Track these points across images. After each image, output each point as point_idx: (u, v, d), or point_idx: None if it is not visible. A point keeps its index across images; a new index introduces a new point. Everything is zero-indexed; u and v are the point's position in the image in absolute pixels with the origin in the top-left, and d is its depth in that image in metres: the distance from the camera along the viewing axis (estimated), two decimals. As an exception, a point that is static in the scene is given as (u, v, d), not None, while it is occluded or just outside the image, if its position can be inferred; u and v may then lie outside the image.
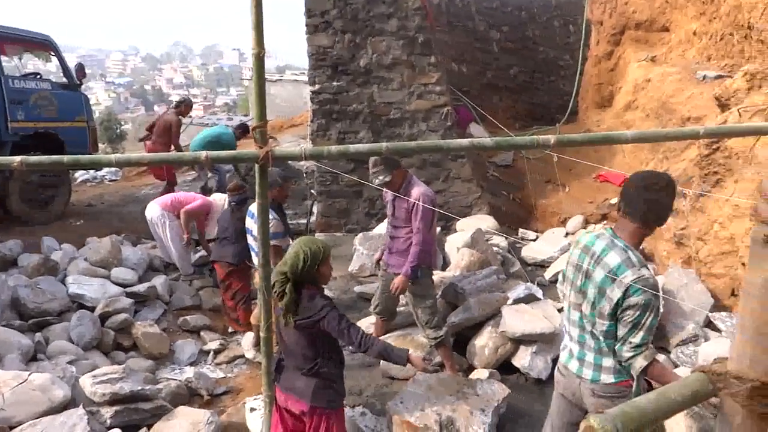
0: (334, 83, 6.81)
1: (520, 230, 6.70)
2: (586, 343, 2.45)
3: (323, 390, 2.94)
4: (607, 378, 2.39)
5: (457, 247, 5.49)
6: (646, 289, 2.20)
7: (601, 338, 2.37)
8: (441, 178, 6.93)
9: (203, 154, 3.36)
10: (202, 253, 6.76)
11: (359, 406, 3.77)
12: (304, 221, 7.59)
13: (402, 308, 4.48)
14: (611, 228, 2.43)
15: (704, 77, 6.41)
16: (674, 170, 5.57)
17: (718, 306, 4.59)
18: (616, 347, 2.32)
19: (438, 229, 6.14)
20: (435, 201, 3.82)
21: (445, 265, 5.53)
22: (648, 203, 2.28)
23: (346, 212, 7.10)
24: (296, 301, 2.83)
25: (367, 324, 4.64)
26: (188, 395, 4.55)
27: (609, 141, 3.88)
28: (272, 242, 4.52)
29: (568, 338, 2.56)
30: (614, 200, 6.67)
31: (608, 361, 2.39)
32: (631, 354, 2.26)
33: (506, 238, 5.93)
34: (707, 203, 5.11)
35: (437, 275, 4.76)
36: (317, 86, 6.86)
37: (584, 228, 6.25)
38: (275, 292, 2.85)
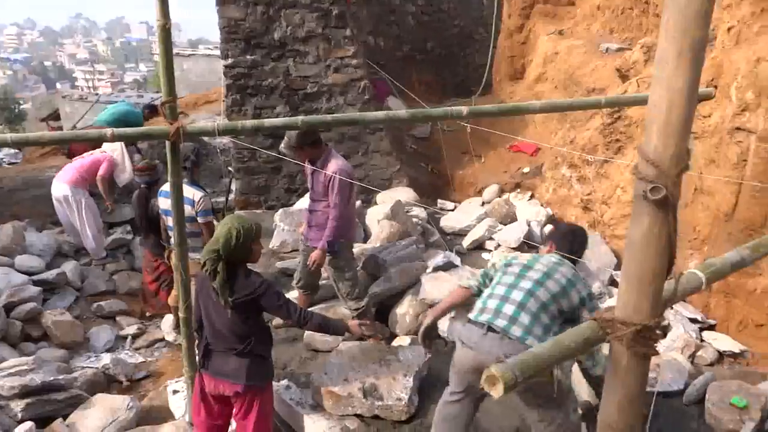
0: (248, 57, 6.64)
1: (439, 201, 6.85)
2: (527, 307, 2.60)
3: (257, 368, 2.93)
4: (532, 342, 2.50)
5: (377, 219, 5.55)
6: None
7: (549, 309, 2.65)
8: (360, 151, 6.95)
9: (109, 131, 3.23)
10: (116, 235, 6.50)
11: (284, 379, 3.78)
12: (222, 199, 7.42)
13: (324, 281, 4.51)
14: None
15: (607, 50, 6.73)
16: (580, 138, 5.85)
17: (620, 265, 4.90)
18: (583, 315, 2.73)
19: (358, 202, 6.18)
20: (352, 175, 3.84)
21: (366, 238, 5.58)
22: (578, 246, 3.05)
23: (266, 188, 6.99)
24: (229, 279, 2.79)
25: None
26: (106, 382, 4.41)
27: (519, 111, 4.03)
28: (206, 219, 4.40)
29: (502, 300, 2.67)
30: (527, 169, 6.95)
31: (539, 329, 2.57)
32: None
33: (425, 208, 6.06)
34: (610, 169, 5.42)
35: (358, 248, 4.82)
36: (230, 60, 6.66)
37: (499, 197, 6.47)
38: (207, 270, 2.78)
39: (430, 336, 3.11)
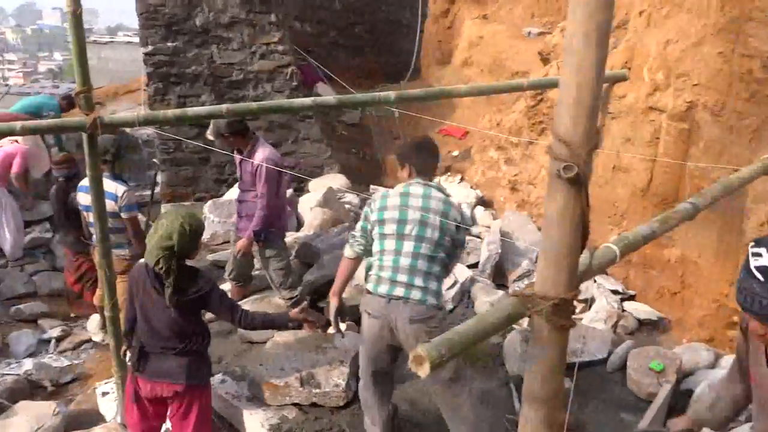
0: (169, 44, 6.41)
1: (371, 186, 6.87)
2: (417, 268, 2.74)
3: (197, 367, 2.87)
4: (431, 299, 2.75)
5: (309, 207, 5.52)
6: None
7: (436, 259, 2.77)
8: (290, 139, 6.87)
9: (18, 124, 3.05)
10: (34, 234, 6.17)
11: (219, 373, 3.72)
12: (148, 193, 7.17)
13: (257, 272, 4.45)
14: (415, 179, 2.88)
15: (529, 33, 6.91)
16: (507, 121, 6.00)
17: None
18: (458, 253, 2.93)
19: (290, 191, 6.13)
20: (280, 163, 3.79)
21: (299, 226, 5.54)
22: (425, 156, 2.94)
23: (194, 180, 6.81)
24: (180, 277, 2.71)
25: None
26: (29, 389, 4.21)
27: (445, 95, 4.09)
28: (130, 215, 4.21)
29: (394, 271, 2.78)
30: (456, 153, 7.07)
31: (434, 284, 2.78)
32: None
33: (358, 195, 6.06)
34: (535, 150, 5.59)
35: (291, 236, 4.78)
36: (150, 47, 6.41)
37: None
38: (161, 268, 2.67)
39: (342, 317, 3.20)
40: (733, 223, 3.78)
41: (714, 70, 3.77)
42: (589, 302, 4.44)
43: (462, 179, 6.68)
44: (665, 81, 4.15)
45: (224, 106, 3.34)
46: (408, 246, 2.75)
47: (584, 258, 1.56)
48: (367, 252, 2.94)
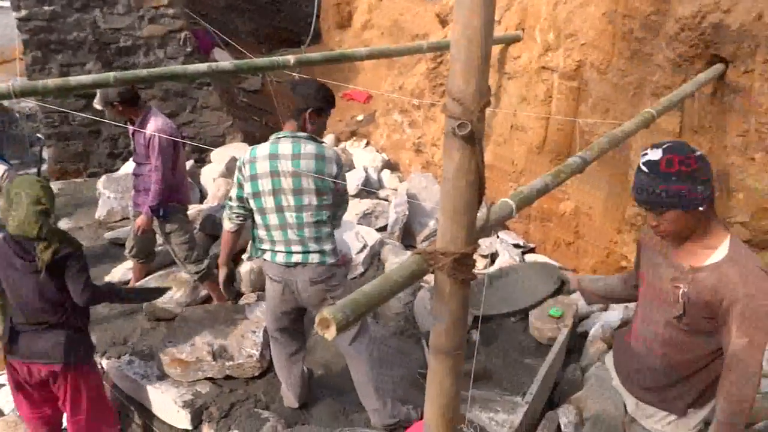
0: (45, 8, 5.89)
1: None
2: (306, 237, 2.74)
3: (75, 344, 2.72)
4: (330, 259, 2.79)
5: (212, 178, 5.34)
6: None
7: (322, 223, 2.75)
8: (188, 108, 6.57)
9: None
10: None
11: (125, 354, 3.59)
12: (34, 171, 6.66)
13: (161, 248, 4.28)
14: (284, 131, 2.74)
15: (427, -5, 6.92)
16: (408, 84, 6.04)
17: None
18: (336, 213, 2.87)
19: (191, 162, 5.90)
20: (175, 134, 3.62)
21: (202, 198, 5.37)
22: (297, 100, 2.70)
23: (85, 154, 6.39)
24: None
25: (124, 270, 4.36)
26: None
27: (345, 59, 4.04)
28: None
29: (284, 244, 2.78)
30: (361, 117, 7.05)
31: (328, 245, 2.79)
32: (343, 212, 2.95)
33: (263, 163, 5.92)
34: (437, 112, 5.67)
35: (194, 208, 4.62)
36: (24, 12, 5.86)
37: (336, 145, 6.52)
38: (42, 234, 2.60)
39: (232, 284, 3.23)
40: (619, 176, 4.05)
41: (599, 30, 3.96)
42: (492, 257, 4.63)
43: (368, 143, 6.70)
44: (556, 41, 4.31)
45: (111, 74, 3.13)
46: (291, 218, 2.72)
47: (482, 213, 1.62)
48: (249, 218, 2.88)
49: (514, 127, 4.80)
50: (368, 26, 7.86)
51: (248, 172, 2.73)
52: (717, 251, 1.86)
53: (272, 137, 2.75)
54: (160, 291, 3.53)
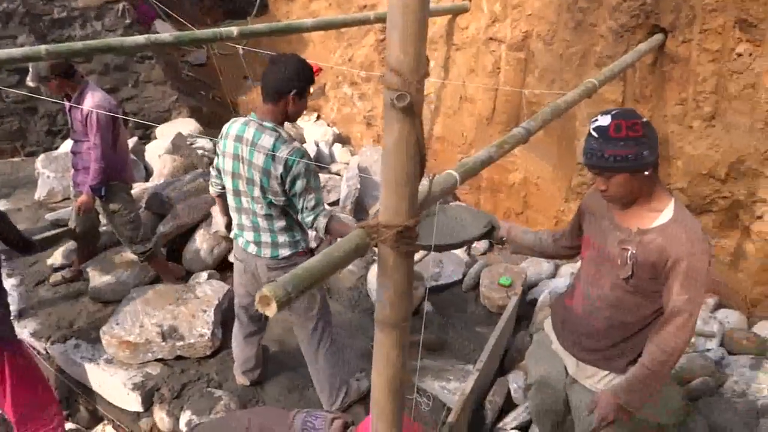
0: (-31, -24, 5.54)
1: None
2: (260, 226, 2.66)
3: None
4: (285, 252, 2.69)
5: (158, 154, 5.19)
6: (300, 158, 2.48)
7: (274, 216, 2.61)
8: (130, 83, 6.33)
9: None
10: None
11: (71, 338, 3.49)
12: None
13: (105, 228, 4.15)
14: (255, 114, 2.57)
15: (375, -35, 6.80)
16: (358, 56, 5.96)
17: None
18: (300, 217, 2.58)
19: (134, 138, 5.72)
20: (114, 109, 3.47)
21: (148, 176, 5.21)
22: (273, 82, 2.47)
23: (20, 132, 6.09)
24: None
25: (68, 252, 4.21)
26: None
27: (290, 31, 3.95)
28: None
29: (240, 227, 2.75)
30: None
31: (283, 237, 2.68)
32: (312, 216, 2.54)
33: (210, 139, 5.79)
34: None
35: (138, 187, 4.48)
36: (-55, -20, 5.50)
37: (286, 120, 6.42)
38: None
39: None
40: (566, 146, 4.12)
41: (545, 1, 3.98)
42: (444, 229, 4.67)
43: (318, 117, 6.61)
44: (503, 12, 4.31)
45: (43, 47, 2.97)
46: (245, 203, 2.66)
47: (425, 186, 1.62)
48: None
49: (463, 98, 4.81)
50: (316, -4, 7.68)
51: (221, 148, 2.67)
52: (662, 214, 1.95)
53: (248, 116, 2.61)
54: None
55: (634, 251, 1.95)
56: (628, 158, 1.84)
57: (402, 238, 1.32)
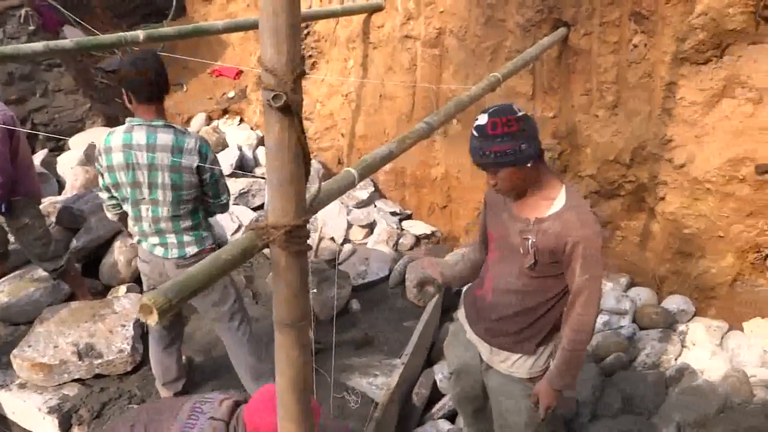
0: None
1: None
2: (165, 230, 2.63)
3: None
4: (192, 250, 2.68)
5: (70, 166, 4.98)
6: (207, 144, 2.59)
7: (181, 216, 2.60)
8: (38, 93, 6.02)
9: None
10: None
11: (-21, 365, 3.30)
12: None
13: (14, 246, 3.93)
14: (136, 118, 2.54)
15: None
16: (277, 58, 5.89)
17: (328, 174, 5.22)
18: (216, 201, 2.68)
19: (46, 150, 5.48)
20: (11, 121, 3.29)
21: (60, 189, 4.99)
22: (152, 81, 2.47)
23: None
24: None
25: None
26: None
27: (200, 33, 3.87)
28: None
29: (142, 234, 2.70)
30: (232, 93, 6.82)
31: (189, 236, 2.67)
32: (225, 201, 2.71)
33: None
34: (308, 85, 5.60)
35: (47, 201, 4.28)
36: None
37: (207, 125, 6.29)
38: None
39: None
40: (482, 138, 4.21)
41: (455, -3, 4.06)
42: (371, 227, 4.69)
43: (241, 121, 6.51)
44: (416, 9, 4.37)
45: (-74, 58, 2.80)
46: (145, 211, 2.60)
47: (325, 183, 1.63)
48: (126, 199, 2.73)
49: (383, 96, 4.84)
50: (233, -2, 7.56)
51: (105, 163, 2.58)
52: (556, 201, 2.06)
53: (126, 124, 2.57)
54: None
55: (534, 240, 2.03)
56: (507, 153, 1.93)
57: (292, 238, 1.32)
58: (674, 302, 3.49)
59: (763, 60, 3.12)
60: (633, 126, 3.53)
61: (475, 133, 2.00)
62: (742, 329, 3.36)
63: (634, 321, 3.45)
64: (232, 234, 4.32)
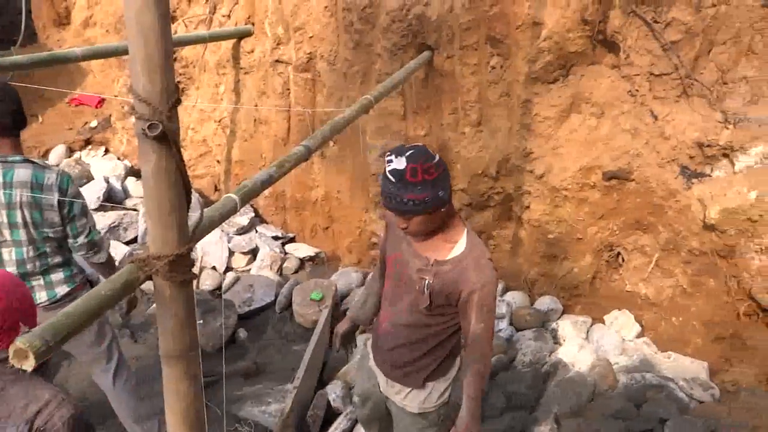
0: None
1: None
2: (30, 272, 2.47)
3: None
4: (62, 290, 2.54)
5: None
6: (69, 179, 2.44)
7: (48, 254, 2.47)
8: None
9: None
10: None
11: None
12: None
13: None
14: None
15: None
16: (143, 84, 5.67)
17: (206, 202, 5.08)
18: (78, 240, 2.49)
19: None
20: None
21: None
22: (7, 114, 2.36)
23: None
24: None
25: None
26: None
27: (57, 61, 3.63)
28: None
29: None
30: (95, 123, 6.45)
31: (57, 275, 2.53)
32: (96, 235, 2.54)
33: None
34: (179, 112, 5.45)
35: None
36: None
37: (68, 157, 5.89)
38: None
39: None
40: (359, 159, 4.33)
41: (323, 23, 4.16)
42: (254, 252, 4.63)
43: (107, 151, 6.16)
44: (286, 34, 4.42)
45: None
46: (8, 254, 2.42)
47: (207, 211, 1.61)
48: None
49: (257, 120, 4.82)
50: (90, 23, 7.17)
51: None
52: (457, 245, 2.04)
53: None
54: None
55: (430, 281, 2.02)
56: (426, 201, 1.87)
57: (176, 268, 1.30)
58: (545, 303, 3.78)
59: (602, 79, 3.51)
60: (497, 141, 3.80)
61: (391, 177, 1.88)
62: (603, 322, 3.70)
63: (511, 323, 3.68)
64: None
